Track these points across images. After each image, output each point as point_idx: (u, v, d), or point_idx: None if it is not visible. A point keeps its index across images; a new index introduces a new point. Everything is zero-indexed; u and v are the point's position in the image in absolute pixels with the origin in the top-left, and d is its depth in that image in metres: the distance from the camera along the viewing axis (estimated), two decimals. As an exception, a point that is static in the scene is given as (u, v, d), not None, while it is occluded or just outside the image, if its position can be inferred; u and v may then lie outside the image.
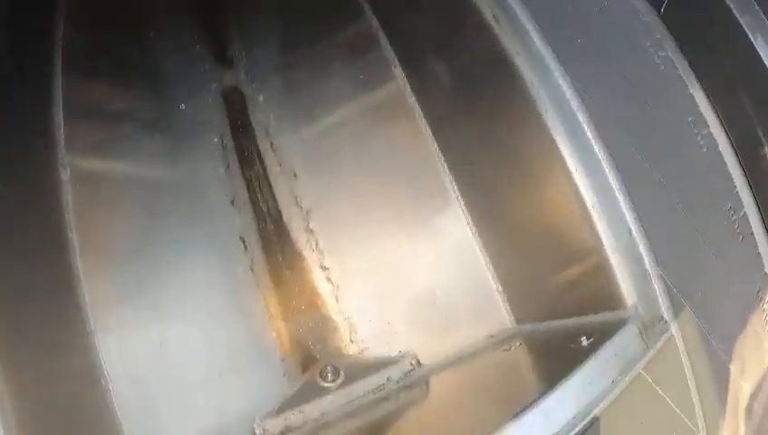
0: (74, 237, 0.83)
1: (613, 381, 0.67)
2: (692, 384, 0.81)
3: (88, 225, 0.84)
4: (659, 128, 0.95)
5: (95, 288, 0.80)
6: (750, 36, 1.17)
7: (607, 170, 0.78)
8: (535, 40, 0.80)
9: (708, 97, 1.20)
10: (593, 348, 0.68)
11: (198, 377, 0.83)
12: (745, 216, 1.09)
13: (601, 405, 0.65)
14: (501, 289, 0.95)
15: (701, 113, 1.10)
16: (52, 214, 0.82)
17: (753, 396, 0.99)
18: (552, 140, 0.77)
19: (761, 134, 1.19)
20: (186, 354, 0.84)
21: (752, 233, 1.09)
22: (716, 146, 1.10)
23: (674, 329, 0.79)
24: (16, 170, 0.75)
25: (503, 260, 0.95)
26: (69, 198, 0.85)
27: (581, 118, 0.77)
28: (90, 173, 0.90)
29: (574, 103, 0.76)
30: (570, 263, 0.83)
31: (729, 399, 0.91)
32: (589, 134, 0.77)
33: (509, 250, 0.95)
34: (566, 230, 0.82)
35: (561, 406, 0.62)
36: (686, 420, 0.77)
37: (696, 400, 0.81)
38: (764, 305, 1.06)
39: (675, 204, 0.88)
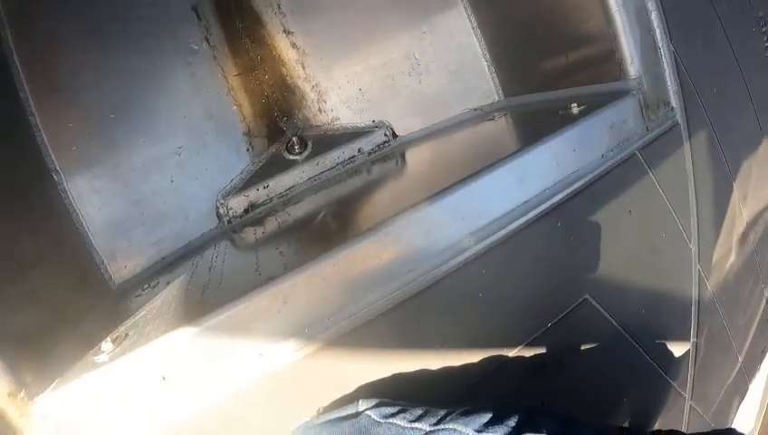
0: (7, 32, 0.69)
1: (603, 155, 0.57)
2: (691, 186, 0.71)
3: (23, 18, 0.70)
4: None
5: (35, 84, 0.69)
6: None
7: None
8: None
9: None
10: (584, 115, 0.56)
11: (155, 158, 0.75)
12: (776, 30, 0.93)
13: (588, 178, 0.55)
14: (491, 61, 0.84)
15: None
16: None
17: (750, 225, 0.92)
18: None
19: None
20: (140, 137, 0.75)
21: (780, 51, 0.94)
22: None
23: (680, 119, 0.67)
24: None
25: (496, 33, 0.83)
26: None
27: None
28: None
29: None
30: (573, 27, 0.70)
31: (727, 218, 0.83)
32: None
33: (505, 20, 0.81)
34: None
35: (541, 168, 0.51)
36: (679, 222, 0.69)
37: (692, 203, 0.72)
38: (781, 136, 0.95)
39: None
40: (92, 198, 0.70)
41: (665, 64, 0.65)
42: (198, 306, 0.47)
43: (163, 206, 0.74)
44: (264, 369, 0.44)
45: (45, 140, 0.69)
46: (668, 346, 0.73)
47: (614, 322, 0.63)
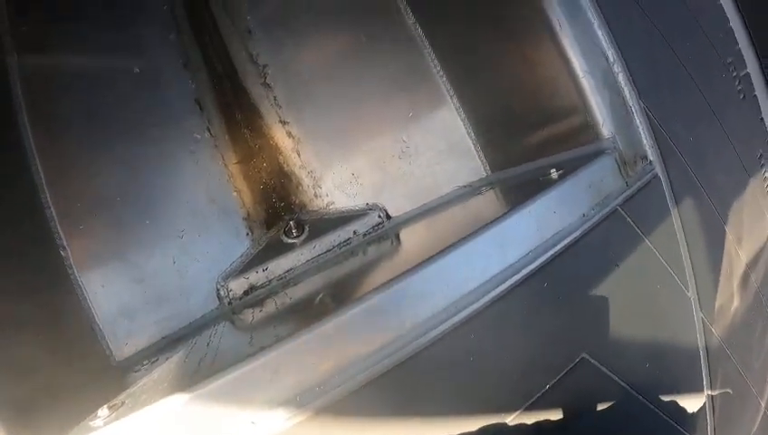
0: (25, 118, 0.77)
1: (584, 215, 0.58)
2: (680, 234, 0.72)
3: (38, 106, 0.79)
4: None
5: (48, 165, 0.76)
6: None
7: None
8: None
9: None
10: (563, 178, 0.59)
11: (159, 240, 0.79)
12: (748, 76, 0.97)
13: (570, 238, 0.56)
14: (476, 140, 0.89)
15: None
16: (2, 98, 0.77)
17: (750, 266, 0.91)
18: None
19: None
20: (144, 219, 0.80)
21: (755, 95, 0.98)
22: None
23: (660, 171, 0.69)
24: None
25: (478, 112, 0.87)
26: (17, 82, 0.79)
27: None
28: (36, 57, 0.82)
29: None
30: (546, 103, 0.75)
31: (724, 263, 0.83)
32: None
33: (484, 100, 0.86)
34: (541, 66, 0.72)
35: (520, 234, 0.53)
36: (672, 272, 0.69)
37: (684, 252, 0.73)
38: (766, 174, 0.96)
39: (664, 43, 0.77)
40: (97, 275, 0.74)
41: (637, 121, 0.68)
42: (193, 377, 0.49)
43: (165, 286, 0.77)
44: (253, 436, 0.44)
45: (54, 215, 0.74)
46: (682, 399, 0.71)
47: (617, 378, 0.62)
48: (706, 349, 0.76)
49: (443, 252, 0.52)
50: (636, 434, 0.64)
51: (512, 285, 0.54)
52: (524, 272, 0.54)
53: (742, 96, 0.93)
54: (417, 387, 0.50)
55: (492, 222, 0.54)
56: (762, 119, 1.00)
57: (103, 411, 0.47)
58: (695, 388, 0.75)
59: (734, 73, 0.94)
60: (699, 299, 0.75)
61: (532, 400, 0.55)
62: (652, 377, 0.66)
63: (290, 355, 0.46)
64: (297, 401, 0.46)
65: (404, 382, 0.50)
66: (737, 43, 0.98)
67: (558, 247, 0.57)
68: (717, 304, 0.81)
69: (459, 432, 0.51)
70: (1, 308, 0.58)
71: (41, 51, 0.82)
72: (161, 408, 0.44)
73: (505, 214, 0.55)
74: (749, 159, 0.92)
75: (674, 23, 0.83)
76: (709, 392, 0.76)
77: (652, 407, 0.66)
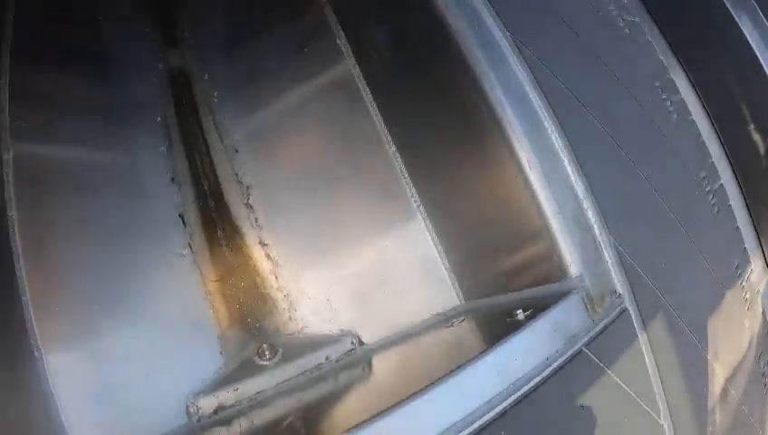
0: (14, 215, 0.81)
1: (548, 358, 0.61)
2: (650, 362, 0.73)
3: (27, 203, 0.82)
4: (618, 91, 0.88)
5: (31, 266, 0.78)
6: (732, 13, 1.11)
7: (549, 130, 0.72)
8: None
9: (682, 65, 1.13)
10: (528, 321, 0.62)
11: (131, 353, 0.81)
12: (722, 187, 1.01)
13: (532, 384, 0.59)
14: (450, 269, 0.91)
15: (671, 79, 1.03)
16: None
17: (729, 380, 0.91)
18: (488, 100, 0.71)
19: (744, 109, 1.11)
20: (119, 331, 0.81)
21: (729, 205, 1.01)
22: (688, 115, 1.03)
23: (629, 303, 0.72)
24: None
25: (452, 240, 0.91)
26: (11, 178, 0.83)
27: (520, 74, 0.72)
28: (32, 155, 0.88)
29: (509, 54, 0.71)
30: (516, 236, 0.78)
31: (699, 382, 0.83)
32: (528, 91, 0.72)
33: (457, 230, 0.90)
34: (511, 201, 0.77)
35: (480, 382, 0.56)
36: (641, 403, 0.70)
37: (655, 380, 0.74)
38: (743, 283, 0.98)
39: (635, 170, 0.81)
40: (68, 381, 0.74)
41: (606, 257, 0.71)
42: None
43: (135, 398, 0.77)
44: None
45: (33, 318, 0.75)
46: None
47: None
48: (686, 477, 0.76)
49: (403, 402, 0.53)
50: None
51: (469, 433, 0.56)
52: (483, 420, 0.56)
53: (716, 210, 0.96)
54: None
55: (452, 371, 0.56)
56: (737, 227, 1.02)
57: None
58: None
59: (708, 188, 0.98)
60: (674, 426, 0.76)
61: None
62: None
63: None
64: None
65: None
66: (710, 156, 1.03)
67: (518, 394, 0.59)
68: (695, 427, 0.81)
69: None
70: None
71: (35, 146, 0.86)
72: None
73: (466, 362, 0.56)
74: (725, 272, 0.94)
75: (646, 148, 0.87)
76: None
77: None
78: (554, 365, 0.61)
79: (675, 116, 0.97)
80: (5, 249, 0.77)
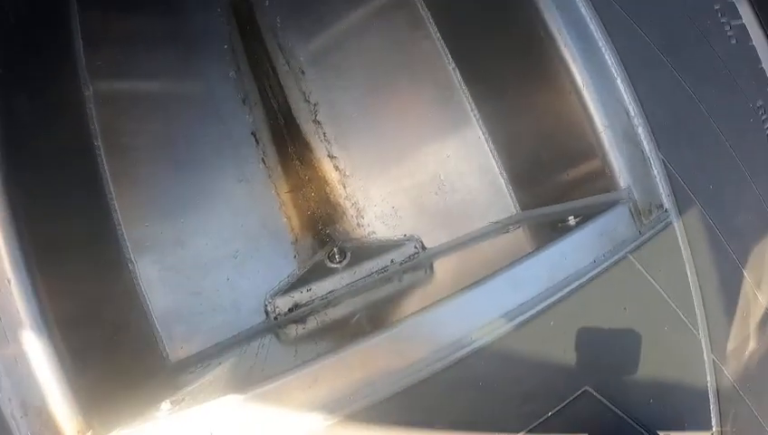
0: (100, 144, 0.90)
1: (595, 260, 0.64)
2: (693, 278, 0.75)
3: (111, 133, 0.91)
4: (674, 12, 0.85)
5: (120, 189, 0.88)
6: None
7: (603, 50, 0.72)
8: None
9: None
10: (578, 226, 0.65)
11: (215, 259, 0.90)
12: (780, 119, 0.97)
13: (579, 282, 0.62)
14: (508, 180, 0.96)
15: (732, 3, 0.98)
16: (79, 126, 0.90)
17: (772, 310, 0.91)
18: (543, 18, 0.71)
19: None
20: (204, 240, 0.91)
21: (787, 140, 0.98)
22: (748, 40, 0.98)
23: (674, 218, 0.73)
24: (48, 92, 0.82)
25: (509, 154, 0.94)
26: (93, 112, 0.92)
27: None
28: (110, 90, 0.96)
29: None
30: (570, 150, 0.81)
31: (739, 305, 0.84)
32: (584, 12, 0.71)
33: (514, 143, 0.93)
34: (566, 117, 0.79)
35: (532, 276, 0.60)
36: (680, 314, 0.72)
37: (696, 295, 0.76)
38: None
39: (688, 92, 0.80)
40: (159, 287, 0.85)
41: (654, 172, 0.73)
42: (245, 381, 0.59)
43: (219, 300, 0.87)
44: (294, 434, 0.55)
45: (125, 235, 0.86)
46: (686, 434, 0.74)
47: (619, 412, 0.67)
48: (717, 390, 0.79)
49: (463, 290, 0.60)
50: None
51: (521, 321, 0.61)
52: (534, 310, 0.62)
53: (771, 138, 0.93)
54: (431, 404, 0.59)
55: (508, 265, 0.62)
56: (794, 163, 0.99)
57: (166, 405, 0.57)
58: (702, 426, 0.77)
59: (764, 117, 0.95)
60: (710, 341, 0.78)
61: (533, 424, 0.61)
62: (656, 412, 0.70)
63: (327, 369, 0.56)
64: (330, 408, 0.56)
65: (421, 399, 0.58)
66: None
67: (566, 290, 0.63)
68: (731, 347, 0.83)
69: (465, 448, 0.59)
70: (85, 323, 0.69)
71: (113, 82, 0.94)
72: (218, 405, 0.54)
73: (520, 258, 0.62)
74: (775, 205, 0.92)
75: (701, 71, 0.85)
76: (717, 428, 0.79)
77: (654, 439, 0.70)
78: (600, 267, 0.64)
79: (734, 41, 0.93)
80: (95, 174, 0.87)
